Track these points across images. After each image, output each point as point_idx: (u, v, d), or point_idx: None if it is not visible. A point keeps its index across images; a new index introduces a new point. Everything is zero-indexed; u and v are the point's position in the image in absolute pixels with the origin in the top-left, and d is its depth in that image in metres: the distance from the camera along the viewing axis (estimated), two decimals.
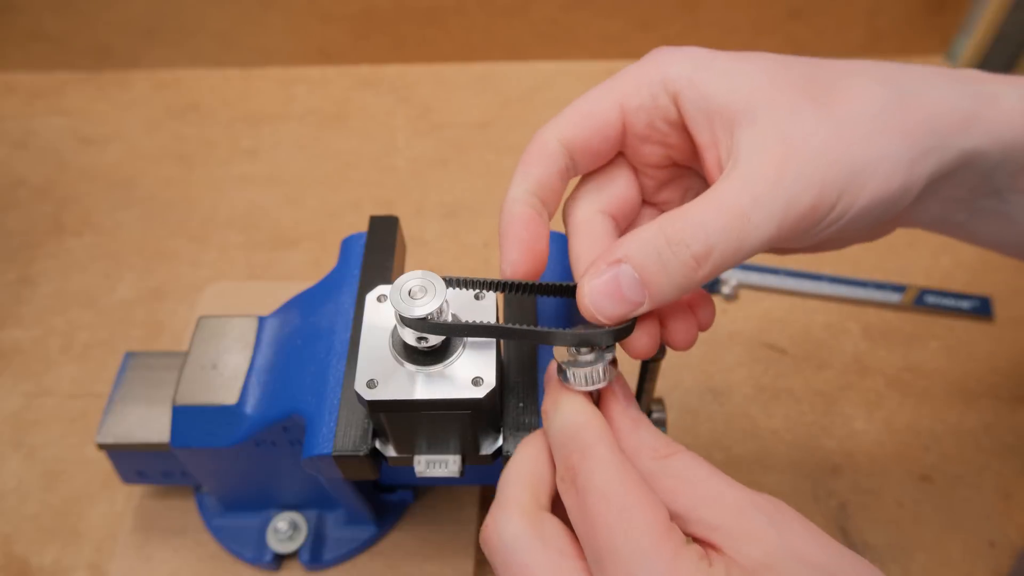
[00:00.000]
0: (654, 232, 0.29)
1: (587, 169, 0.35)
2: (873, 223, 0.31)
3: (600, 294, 0.29)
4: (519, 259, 0.32)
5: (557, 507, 0.30)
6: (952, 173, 0.31)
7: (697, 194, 0.33)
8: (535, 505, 0.29)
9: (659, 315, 0.32)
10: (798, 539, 0.27)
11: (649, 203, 0.37)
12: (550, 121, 0.34)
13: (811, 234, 0.30)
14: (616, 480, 0.27)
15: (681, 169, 0.36)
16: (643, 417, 0.32)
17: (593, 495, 0.27)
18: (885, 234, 0.36)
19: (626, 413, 0.31)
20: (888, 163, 0.29)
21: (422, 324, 0.31)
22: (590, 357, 0.30)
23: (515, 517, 0.29)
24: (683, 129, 0.33)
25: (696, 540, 0.28)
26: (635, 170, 0.36)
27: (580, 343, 0.31)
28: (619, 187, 0.36)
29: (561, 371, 0.31)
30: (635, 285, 0.29)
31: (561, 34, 0.79)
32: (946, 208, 0.34)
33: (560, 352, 0.31)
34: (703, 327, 0.34)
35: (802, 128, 0.29)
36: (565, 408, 0.30)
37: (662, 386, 0.57)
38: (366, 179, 0.72)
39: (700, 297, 0.34)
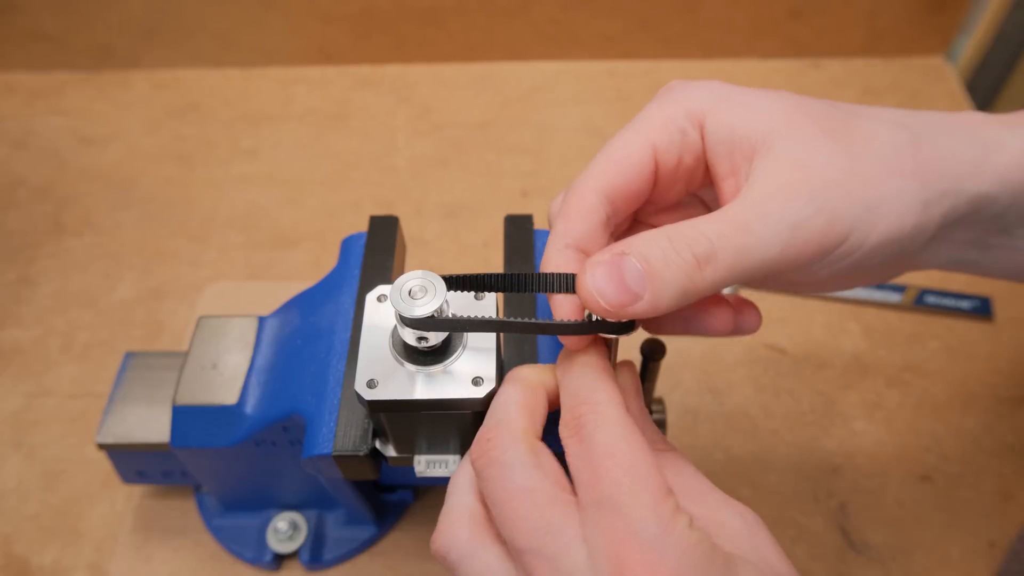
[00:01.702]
0: (658, 232, 0.30)
1: (628, 212, 0.36)
2: (884, 263, 0.32)
3: (603, 277, 0.29)
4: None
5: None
6: (964, 217, 0.32)
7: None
8: (534, 432, 0.31)
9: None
10: (765, 546, 0.29)
11: (644, 223, 0.39)
12: (584, 173, 0.34)
13: (822, 265, 0.31)
14: (623, 440, 0.28)
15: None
16: (645, 413, 0.33)
17: (600, 448, 0.28)
18: (893, 277, 0.36)
19: (628, 406, 0.32)
20: (902, 202, 0.30)
21: (425, 320, 0.31)
22: None
23: (519, 440, 0.30)
24: (706, 162, 0.34)
25: None
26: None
27: (580, 333, 0.31)
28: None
29: (589, 317, 0.31)
30: (638, 276, 0.29)
31: (561, 34, 0.79)
32: (958, 249, 0.35)
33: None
34: (745, 330, 0.35)
35: (817, 158, 0.30)
36: (583, 358, 0.31)
37: (662, 386, 0.57)
38: (366, 179, 0.72)
39: (743, 302, 0.35)
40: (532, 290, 0.32)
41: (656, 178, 0.34)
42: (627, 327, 0.31)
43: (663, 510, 0.27)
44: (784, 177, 0.30)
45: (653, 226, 0.39)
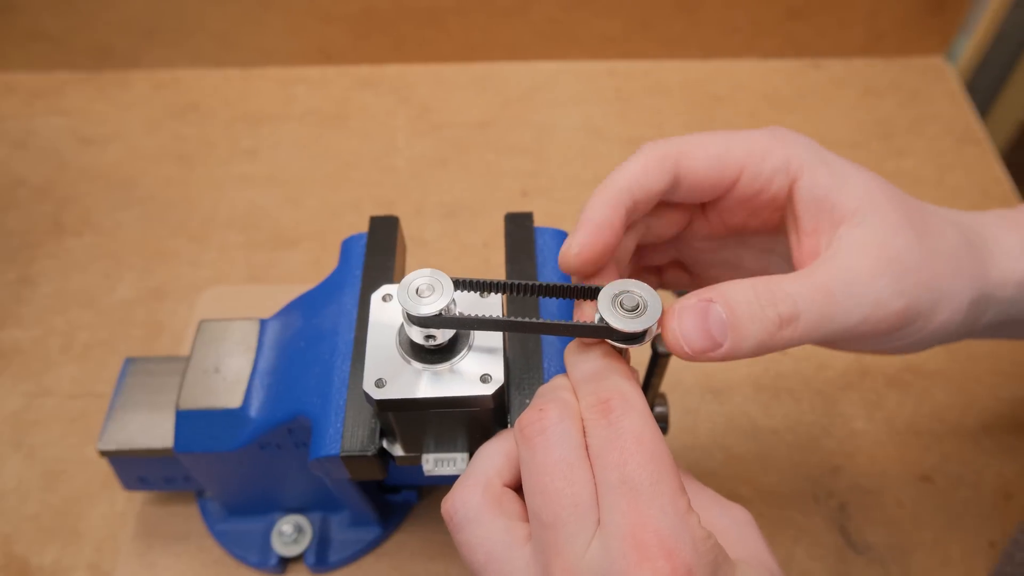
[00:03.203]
0: (747, 284, 0.31)
1: (676, 199, 0.36)
2: (927, 345, 0.35)
3: (689, 322, 0.30)
4: (586, 242, 0.33)
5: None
6: (988, 318, 0.37)
7: (733, 271, 0.40)
8: (498, 482, 0.32)
9: None
10: (753, 542, 0.31)
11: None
12: (673, 138, 0.35)
13: (888, 340, 0.33)
14: (651, 430, 0.29)
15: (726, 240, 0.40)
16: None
17: (630, 432, 0.29)
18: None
19: None
20: (958, 299, 0.34)
21: (432, 319, 0.31)
22: (632, 315, 0.31)
23: (575, 418, 0.30)
24: (777, 210, 0.36)
25: None
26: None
27: (591, 336, 0.31)
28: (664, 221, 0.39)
29: (602, 322, 0.31)
30: (721, 324, 0.30)
31: (561, 34, 0.79)
32: (970, 334, 0.38)
33: (605, 305, 0.31)
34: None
35: (900, 243, 0.33)
36: (604, 349, 0.32)
37: (662, 385, 0.57)
38: (366, 179, 0.72)
39: None
40: (559, 296, 0.33)
41: (727, 192, 0.35)
42: (636, 338, 0.31)
43: (680, 503, 0.28)
44: (870, 254, 0.32)
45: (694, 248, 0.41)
